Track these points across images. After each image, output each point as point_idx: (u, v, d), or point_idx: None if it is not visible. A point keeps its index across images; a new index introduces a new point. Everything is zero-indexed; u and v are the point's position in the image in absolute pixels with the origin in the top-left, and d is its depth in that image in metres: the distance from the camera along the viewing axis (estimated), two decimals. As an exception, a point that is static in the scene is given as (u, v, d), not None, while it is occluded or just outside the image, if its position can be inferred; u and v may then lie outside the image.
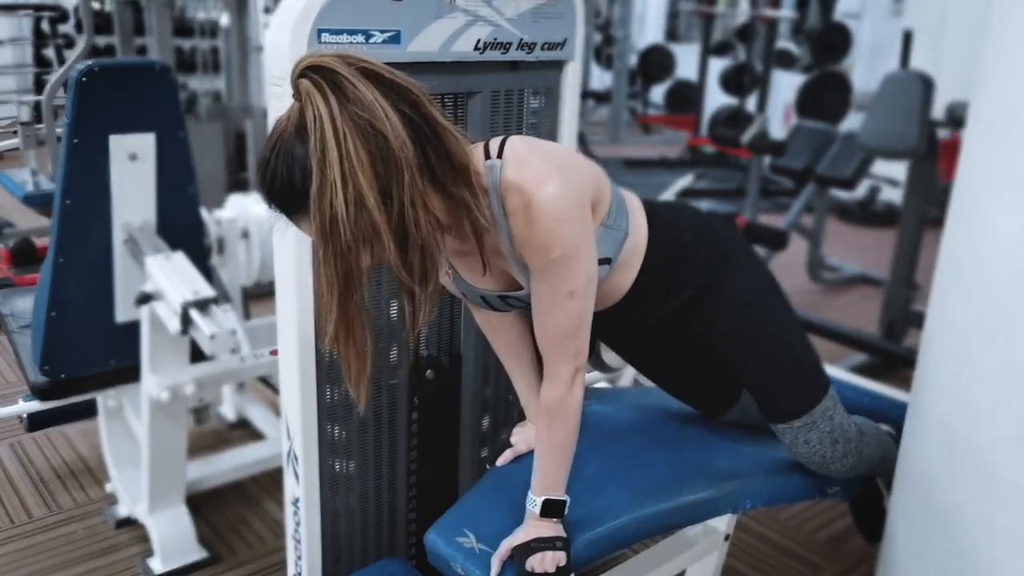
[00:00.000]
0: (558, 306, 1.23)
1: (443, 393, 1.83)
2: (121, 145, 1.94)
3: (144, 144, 1.97)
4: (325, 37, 1.44)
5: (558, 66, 1.79)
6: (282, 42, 1.42)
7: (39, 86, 7.87)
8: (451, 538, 1.33)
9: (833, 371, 1.89)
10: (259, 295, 3.65)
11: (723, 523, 1.72)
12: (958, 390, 1.22)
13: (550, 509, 1.28)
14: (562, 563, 1.26)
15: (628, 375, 2.24)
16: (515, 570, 1.25)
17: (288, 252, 1.52)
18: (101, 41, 6.59)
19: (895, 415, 1.67)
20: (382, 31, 1.50)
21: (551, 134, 1.83)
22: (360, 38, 1.48)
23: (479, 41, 1.61)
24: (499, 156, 1.21)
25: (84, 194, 1.96)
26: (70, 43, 8.15)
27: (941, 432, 1.26)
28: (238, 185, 4.03)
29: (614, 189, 1.36)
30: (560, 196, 1.18)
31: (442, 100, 1.70)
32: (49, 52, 7.87)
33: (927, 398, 1.32)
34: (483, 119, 1.70)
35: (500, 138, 1.25)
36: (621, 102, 9.54)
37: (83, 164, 1.93)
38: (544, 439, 1.29)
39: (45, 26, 7.57)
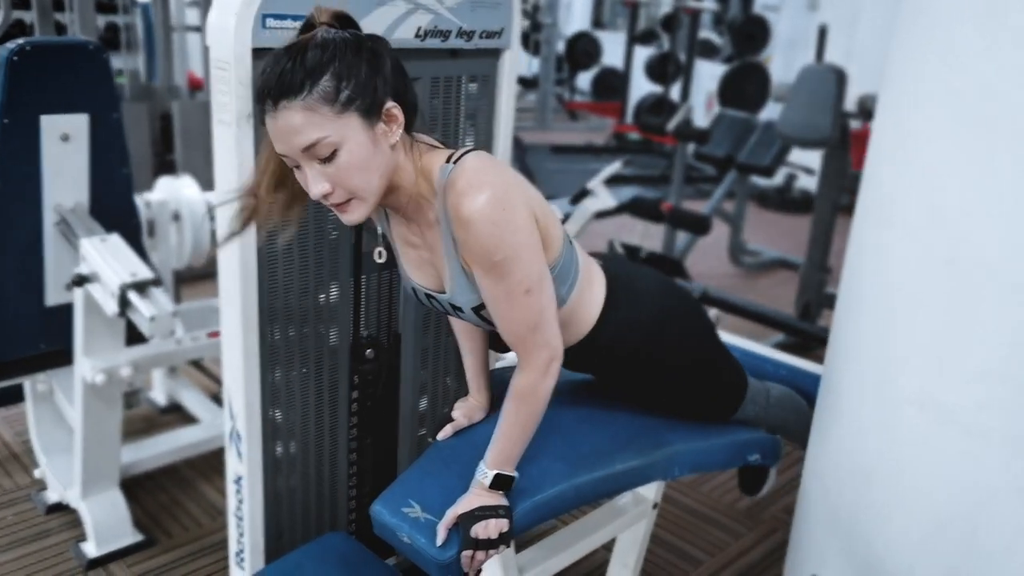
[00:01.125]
0: (516, 305, 1.27)
1: (382, 372, 1.87)
2: (53, 126, 1.91)
3: (77, 125, 1.95)
4: (269, 22, 1.46)
5: (495, 54, 1.84)
6: (227, 26, 1.44)
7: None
8: (396, 508, 1.38)
9: (755, 346, 2.01)
10: (190, 278, 3.62)
11: (651, 492, 1.82)
12: (865, 363, 1.33)
13: (499, 483, 1.35)
14: (504, 529, 1.33)
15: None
16: (460, 536, 1.31)
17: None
18: (16, 16, 6.30)
19: (810, 385, 1.79)
20: (325, 17, 1.52)
21: (488, 121, 1.89)
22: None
23: (420, 29, 1.66)
24: (455, 163, 1.26)
25: (14, 175, 1.92)
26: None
27: (851, 401, 1.37)
28: (164, 167, 3.96)
29: (568, 254, 1.38)
30: (494, 201, 1.22)
31: (382, 85, 1.75)
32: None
33: (838, 371, 1.43)
34: (423, 105, 1.75)
35: (466, 149, 1.30)
36: (548, 88, 9.64)
37: (14, 145, 1.89)
38: (508, 418, 1.34)
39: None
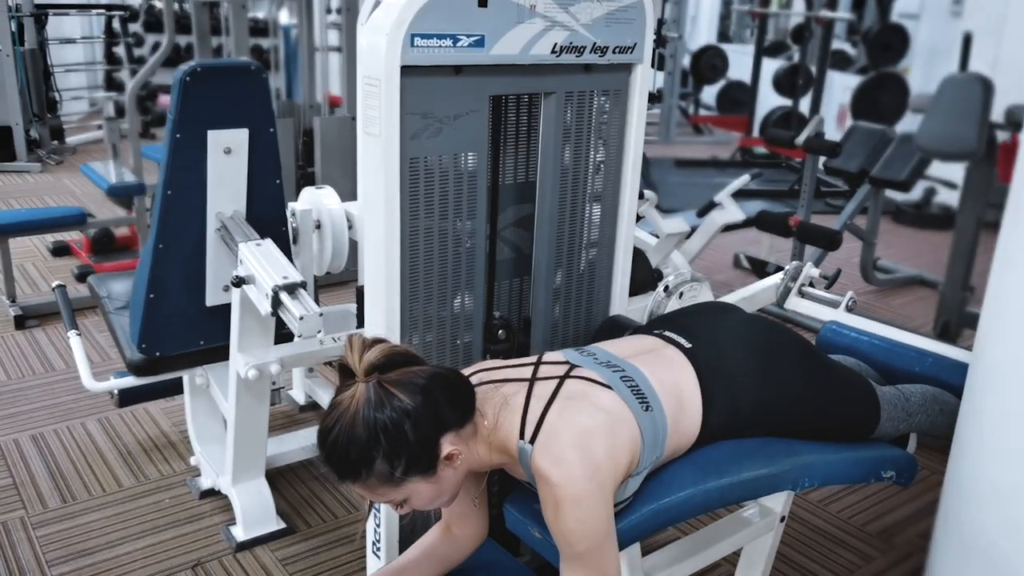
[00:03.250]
0: None
1: (513, 353, 1.93)
2: (218, 140, 2.09)
3: (239, 139, 2.11)
4: (417, 41, 1.56)
5: (628, 68, 1.89)
6: (378, 46, 1.54)
7: (110, 83, 8.20)
8: (528, 504, 1.44)
9: (896, 333, 1.94)
10: (328, 284, 3.83)
11: (779, 505, 1.80)
12: (1009, 384, 1.29)
13: None
14: None
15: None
16: None
17: (378, 230, 1.64)
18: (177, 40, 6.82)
19: (956, 375, 1.72)
20: (468, 35, 1.61)
21: (619, 134, 1.93)
22: (448, 42, 1.60)
23: (556, 45, 1.72)
24: (532, 439, 1.30)
25: (183, 186, 2.10)
26: (140, 42, 8.45)
27: (992, 423, 1.33)
28: (306, 180, 4.20)
29: (649, 432, 1.37)
30: (587, 495, 1.25)
31: (518, 100, 1.82)
32: (119, 50, 8.20)
33: (980, 391, 1.39)
34: (557, 118, 1.81)
35: (539, 412, 1.32)
36: (673, 103, 9.56)
37: (184, 157, 2.07)
38: None
39: (116, 25, 7.89)
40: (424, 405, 1.24)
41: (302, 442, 2.72)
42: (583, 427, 1.30)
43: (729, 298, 2.36)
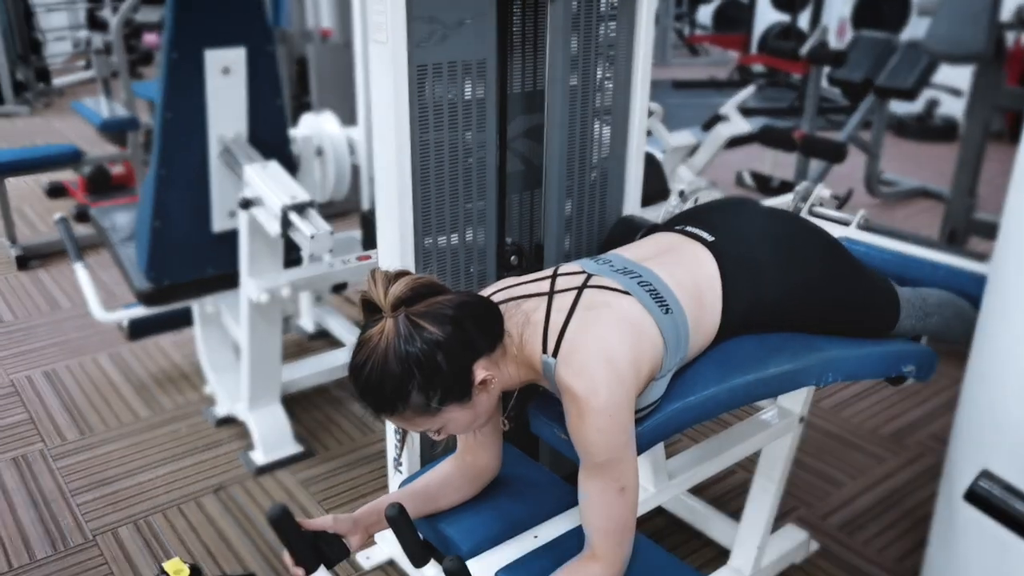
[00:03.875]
0: (610, 502, 1.27)
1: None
2: (215, 59, 2.03)
3: (236, 58, 2.06)
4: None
5: (634, -27, 1.82)
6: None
7: (93, 22, 7.99)
8: (552, 407, 1.43)
9: (910, 248, 1.93)
10: (332, 213, 3.78)
11: (798, 405, 1.81)
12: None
13: None
14: None
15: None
16: None
17: (389, 140, 1.61)
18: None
19: (970, 284, 1.72)
20: (473, -66, 1.55)
21: (627, 46, 1.88)
22: (453, -55, 1.54)
23: (561, -56, 1.66)
24: (555, 352, 1.27)
25: (182, 108, 2.06)
26: (121, -22, 8.20)
27: (1019, 306, 1.32)
28: (301, 108, 4.12)
29: (672, 334, 1.34)
30: (609, 407, 1.23)
31: (523, 4, 1.77)
32: (100, -12, 7.95)
33: (1005, 277, 1.38)
34: (565, 23, 1.76)
35: (560, 325, 1.29)
36: (667, 24, 9.36)
37: (181, 78, 2.02)
38: None
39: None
40: (454, 334, 1.22)
41: (314, 368, 2.73)
42: (605, 338, 1.29)
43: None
